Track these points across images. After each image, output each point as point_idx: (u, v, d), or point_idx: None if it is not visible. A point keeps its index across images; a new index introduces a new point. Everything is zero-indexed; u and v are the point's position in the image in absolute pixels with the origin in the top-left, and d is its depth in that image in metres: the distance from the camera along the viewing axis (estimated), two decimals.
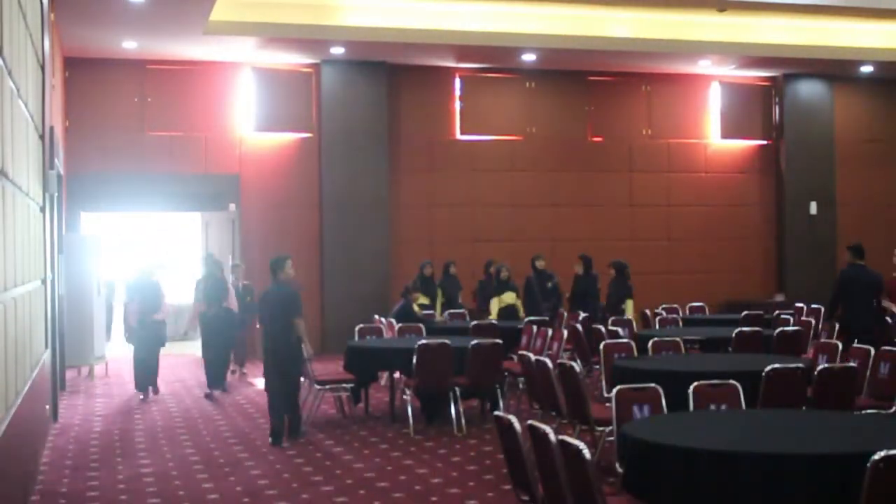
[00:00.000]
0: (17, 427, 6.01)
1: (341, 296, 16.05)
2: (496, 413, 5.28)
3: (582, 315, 12.73)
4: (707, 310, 15.37)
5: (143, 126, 15.76)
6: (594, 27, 15.81)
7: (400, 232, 16.66)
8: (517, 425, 4.96)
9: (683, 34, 16.11)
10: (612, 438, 6.46)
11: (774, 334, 10.16)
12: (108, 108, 15.62)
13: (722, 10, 15.12)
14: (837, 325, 10.05)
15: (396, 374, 10.08)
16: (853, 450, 4.53)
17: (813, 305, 13.93)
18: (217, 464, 8.17)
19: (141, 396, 11.80)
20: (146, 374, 11.94)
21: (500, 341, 9.65)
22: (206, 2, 12.66)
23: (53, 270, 10.17)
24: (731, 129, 18.23)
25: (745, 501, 4.46)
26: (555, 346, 10.38)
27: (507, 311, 13.23)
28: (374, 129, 16.33)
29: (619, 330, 10.99)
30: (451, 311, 13.98)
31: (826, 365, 7.39)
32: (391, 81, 16.57)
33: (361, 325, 11.75)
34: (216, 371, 12.06)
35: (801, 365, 7.18)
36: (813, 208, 18.18)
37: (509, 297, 13.44)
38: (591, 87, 17.68)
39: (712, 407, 6.15)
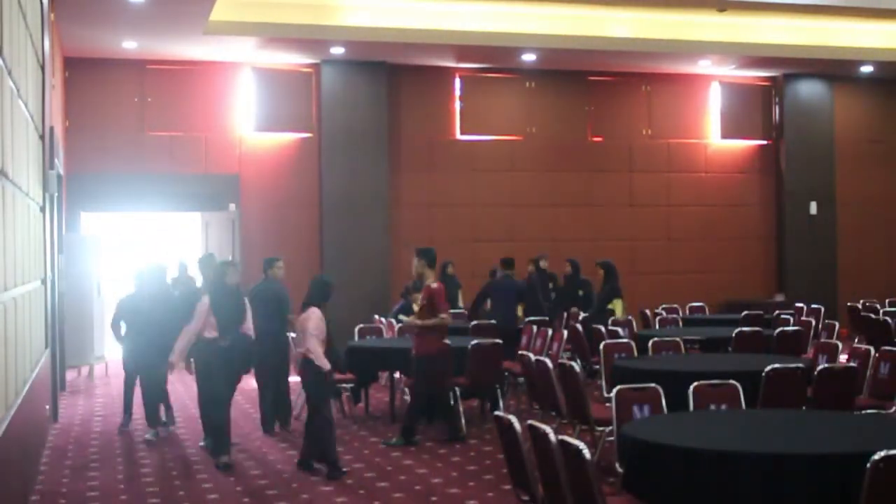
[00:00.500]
0: (17, 427, 6.01)
1: (341, 296, 15.92)
2: (496, 413, 5.28)
3: (582, 316, 12.71)
4: (707, 310, 15.38)
5: (143, 126, 15.76)
6: (594, 27, 15.81)
7: (400, 232, 16.65)
8: (517, 425, 4.96)
9: (683, 34, 16.10)
10: (612, 438, 6.46)
11: (774, 334, 10.16)
12: (108, 108, 15.61)
13: (722, 10, 15.12)
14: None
15: (396, 374, 10.08)
16: (853, 450, 4.53)
17: (813, 305, 13.93)
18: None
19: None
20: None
21: (500, 341, 9.65)
22: (206, 2, 12.66)
23: (53, 270, 10.17)
24: (731, 129, 18.22)
25: (745, 501, 4.46)
26: (555, 346, 10.38)
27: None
28: (374, 129, 16.32)
29: (619, 330, 10.99)
30: (451, 311, 13.95)
31: (826, 365, 7.40)
32: (391, 81, 16.57)
33: (361, 325, 11.75)
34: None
35: (801, 365, 7.18)
36: (813, 208, 18.18)
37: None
38: (591, 87, 17.68)
39: (712, 407, 6.15)
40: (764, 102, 18.39)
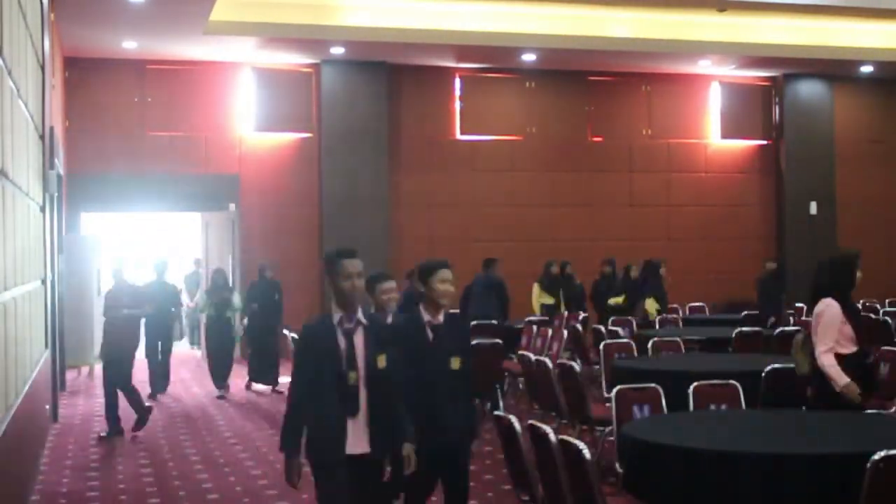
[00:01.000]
0: (17, 427, 6.01)
1: None
2: (496, 413, 5.28)
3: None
4: (707, 310, 15.37)
5: (143, 126, 15.75)
6: (594, 27, 15.81)
7: (400, 232, 16.65)
8: (517, 425, 4.96)
9: (683, 34, 16.10)
10: (612, 438, 6.46)
11: (774, 334, 10.16)
12: (108, 108, 15.61)
13: (722, 10, 15.12)
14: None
15: None
16: (853, 450, 4.52)
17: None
18: (217, 464, 8.18)
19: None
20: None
21: (500, 341, 9.64)
22: (206, 2, 12.66)
23: (53, 270, 10.17)
24: (731, 129, 18.22)
25: (745, 501, 4.46)
26: (555, 346, 10.38)
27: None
28: (374, 129, 16.32)
29: (619, 330, 10.99)
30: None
31: None
32: (391, 81, 16.57)
33: None
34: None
35: None
36: (813, 208, 18.18)
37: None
38: (591, 87, 17.67)
39: (712, 407, 6.15)
40: (764, 102, 18.39)
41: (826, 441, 4.96)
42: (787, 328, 10.79)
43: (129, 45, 14.68)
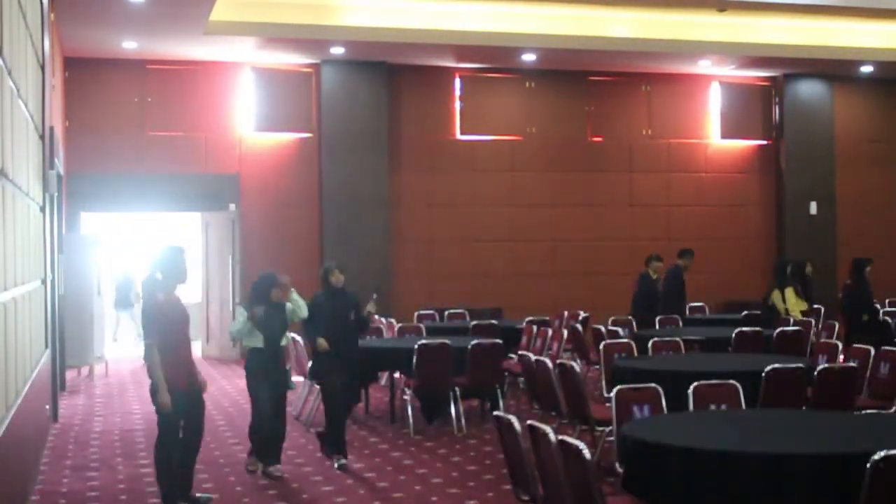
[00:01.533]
0: (17, 427, 6.01)
1: None
2: (496, 413, 5.28)
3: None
4: (707, 310, 15.37)
5: (143, 126, 15.76)
6: (594, 27, 15.81)
7: (400, 232, 16.65)
8: (517, 425, 4.96)
9: (683, 34, 16.10)
10: (612, 438, 6.46)
11: (774, 334, 10.16)
12: (108, 108, 15.61)
13: (722, 10, 15.11)
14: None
15: (396, 374, 10.08)
16: (853, 450, 4.53)
17: (814, 305, 13.93)
18: (217, 464, 8.17)
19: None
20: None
21: (500, 341, 9.65)
22: (206, 2, 12.66)
23: (53, 270, 10.17)
24: (731, 129, 18.22)
25: (745, 501, 4.46)
26: (555, 346, 10.38)
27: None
28: (374, 129, 16.32)
29: (619, 330, 10.99)
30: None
31: (826, 365, 7.39)
32: (391, 81, 16.57)
33: None
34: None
35: (801, 365, 7.18)
36: (813, 208, 18.18)
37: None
38: (591, 87, 17.67)
39: (712, 407, 6.15)
40: (764, 102, 18.39)
41: (826, 441, 4.96)
42: (787, 328, 10.79)
43: (129, 45, 14.68)
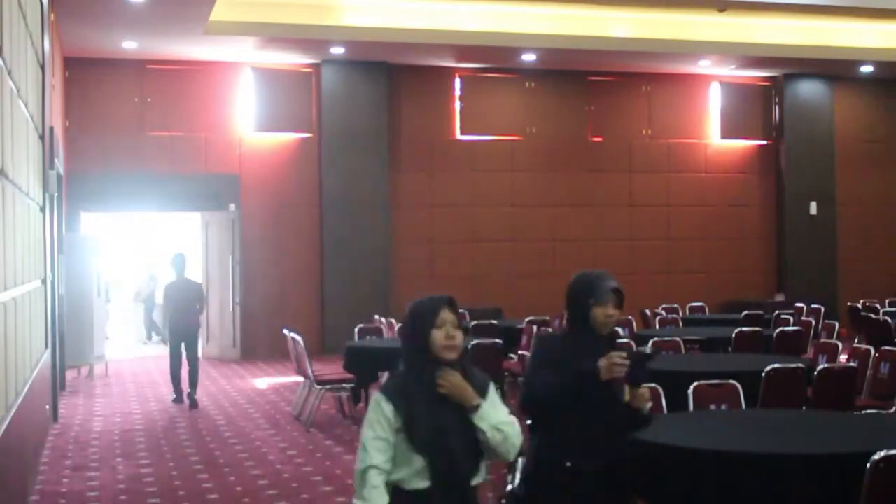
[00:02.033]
0: (17, 427, 6.01)
1: (341, 296, 16.06)
2: None
3: None
4: (707, 310, 15.37)
5: (143, 126, 15.76)
6: (594, 27, 15.81)
7: (400, 232, 16.66)
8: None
9: (683, 34, 16.11)
10: None
11: (774, 334, 10.16)
12: (108, 108, 15.62)
13: (722, 10, 15.12)
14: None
15: None
16: (853, 450, 4.52)
17: (813, 305, 13.93)
18: (217, 464, 8.18)
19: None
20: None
21: (500, 341, 9.65)
22: (206, 2, 12.66)
23: (53, 270, 10.17)
24: (731, 129, 18.22)
25: (745, 501, 4.46)
26: None
27: None
28: (374, 129, 16.33)
29: (619, 330, 10.97)
30: None
31: (826, 365, 7.39)
32: (391, 81, 16.57)
33: (361, 325, 11.74)
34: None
35: (801, 365, 7.18)
36: (813, 208, 18.19)
37: None
38: (591, 87, 17.68)
39: (712, 407, 6.15)
40: (764, 102, 18.40)
41: (826, 441, 4.96)
42: (787, 328, 10.79)
43: (129, 45, 14.68)
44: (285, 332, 10.68)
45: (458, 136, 17.08)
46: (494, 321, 12.34)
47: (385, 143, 16.42)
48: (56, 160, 10.81)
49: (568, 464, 4.04)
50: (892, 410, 7.28)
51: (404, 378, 3.48)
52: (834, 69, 17.79)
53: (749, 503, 4.45)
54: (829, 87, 18.33)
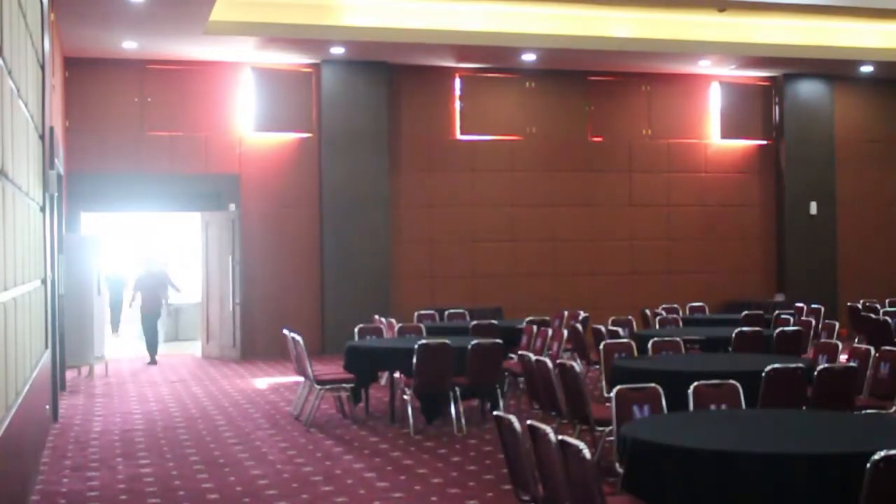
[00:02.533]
0: (17, 427, 6.01)
1: (341, 296, 16.06)
2: (496, 413, 5.28)
3: None
4: (707, 310, 15.38)
5: (143, 126, 15.76)
6: (594, 27, 15.81)
7: (400, 232, 16.66)
8: (517, 425, 4.96)
9: (683, 34, 16.11)
10: (612, 438, 6.46)
11: (774, 334, 10.16)
12: (108, 108, 15.62)
13: (722, 10, 15.12)
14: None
15: (396, 374, 10.08)
16: (853, 450, 4.52)
17: (813, 305, 13.93)
18: (217, 464, 8.18)
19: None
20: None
21: (500, 341, 9.65)
22: (206, 2, 12.66)
23: (53, 270, 10.17)
24: (731, 129, 18.23)
25: (744, 501, 4.46)
26: (555, 346, 10.38)
27: None
28: (374, 129, 16.33)
29: (619, 330, 10.98)
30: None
31: (826, 365, 7.39)
32: (391, 81, 16.58)
33: (361, 325, 11.75)
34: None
35: (801, 365, 7.18)
36: (813, 208, 18.19)
37: None
38: (591, 87, 17.68)
39: (712, 407, 6.15)
40: (764, 102, 18.40)
41: (826, 441, 4.96)
42: (787, 328, 10.79)
43: (129, 45, 14.68)
44: (285, 332, 10.68)
45: (458, 136, 17.09)
46: (494, 321, 12.33)
47: (385, 143, 16.43)
48: (56, 160, 10.81)
49: None
50: (892, 410, 7.29)
51: None
52: (834, 69, 17.79)
53: (749, 503, 4.46)
54: (829, 87, 18.34)
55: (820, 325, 12.54)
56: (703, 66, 17.45)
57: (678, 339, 9.15)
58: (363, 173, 16.22)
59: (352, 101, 16.23)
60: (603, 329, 10.76)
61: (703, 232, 18.16)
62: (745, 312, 12.60)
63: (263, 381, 13.26)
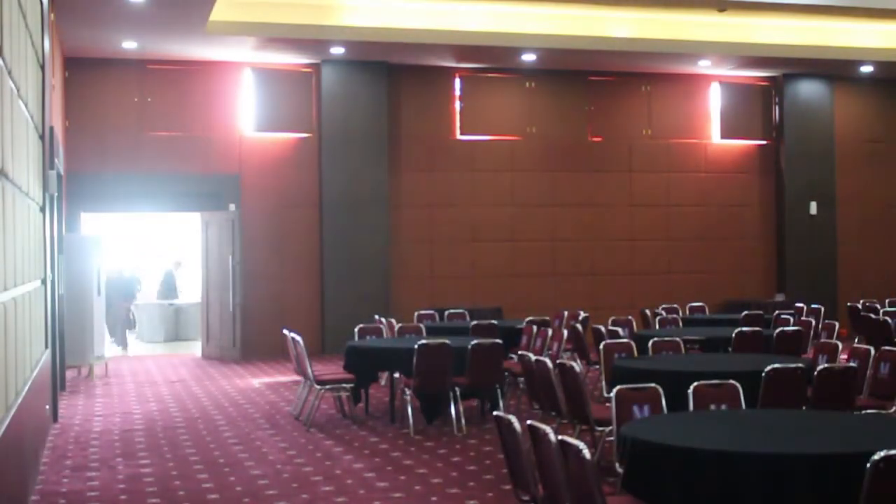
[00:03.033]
0: (17, 427, 6.01)
1: (341, 296, 16.07)
2: (496, 413, 5.28)
3: None
4: (707, 310, 15.38)
5: (143, 126, 15.76)
6: (594, 27, 15.81)
7: (400, 232, 16.66)
8: (517, 425, 4.96)
9: (683, 34, 16.11)
10: (612, 438, 6.46)
11: (774, 334, 10.15)
12: (108, 108, 15.62)
13: (722, 10, 15.12)
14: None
15: (396, 374, 10.09)
16: (853, 450, 4.53)
17: (813, 305, 13.94)
18: (217, 464, 8.18)
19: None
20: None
21: (500, 341, 9.65)
22: (206, 2, 12.66)
23: (53, 270, 10.17)
24: (731, 129, 18.23)
25: (745, 501, 4.46)
26: (555, 346, 10.38)
27: None
28: (374, 129, 16.33)
29: (619, 330, 10.98)
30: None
31: (826, 365, 7.39)
32: (391, 81, 16.58)
33: (361, 325, 11.75)
34: None
35: (801, 365, 7.18)
36: (813, 208, 18.19)
37: None
38: (591, 87, 17.68)
39: (712, 407, 6.15)
40: (764, 102, 18.40)
41: (826, 441, 4.96)
42: (787, 328, 10.79)
43: (129, 45, 14.68)
44: (285, 332, 10.68)
45: (458, 136, 17.09)
46: (494, 321, 12.33)
47: (385, 143, 16.43)
48: (56, 160, 10.81)
49: None
50: (892, 410, 7.29)
51: None
52: (834, 69, 17.79)
53: (749, 503, 4.46)
54: (829, 87, 18.34)
55: (820, 325, 12.54)
56: (703, 66, 17.45)
57: (678, 339, 9.15)
58: (363, 173, 16.22)
59: (352, 101, 16.23)
60: (603, 329, 10.76)
61: (702, 232, 18.16)
62: (745, 312, 12.59)
63: (263, 381, 13.26)
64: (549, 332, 10.73)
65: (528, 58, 16.38)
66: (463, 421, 9.28)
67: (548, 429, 4.66)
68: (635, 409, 6.14)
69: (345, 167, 16.17)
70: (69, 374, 13.35)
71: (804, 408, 6.85)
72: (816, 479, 4.40)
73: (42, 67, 9.25)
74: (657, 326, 12.37)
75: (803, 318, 12.88)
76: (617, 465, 5.55)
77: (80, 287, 13.27)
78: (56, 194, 10.59)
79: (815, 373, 7.05)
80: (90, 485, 7.55)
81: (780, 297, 17.67)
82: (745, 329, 10.05)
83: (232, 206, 15.99)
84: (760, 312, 12.99)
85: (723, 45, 16.33)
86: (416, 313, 13.49)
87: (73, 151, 15.14)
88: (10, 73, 6.08)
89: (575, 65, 17.05)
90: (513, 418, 4.99)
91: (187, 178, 15.91)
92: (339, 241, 16.10)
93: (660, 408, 6.17)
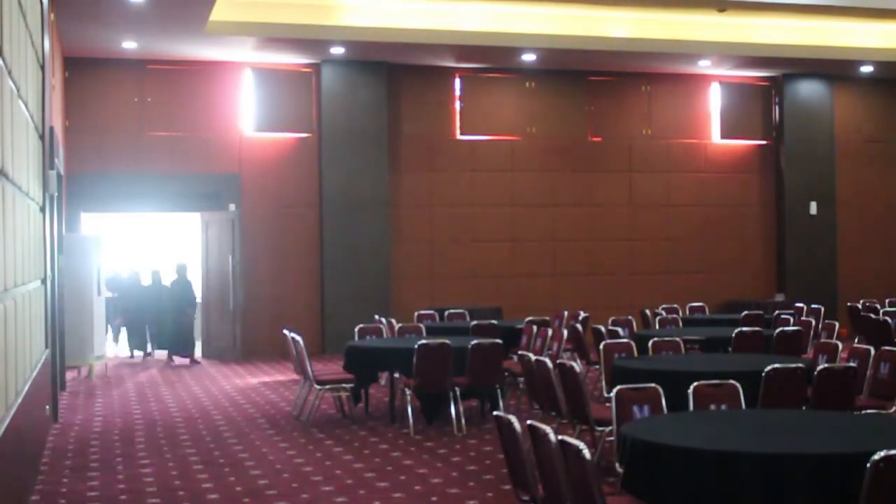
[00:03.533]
0: (17, 427, 6.01)
1: (341, 296, 16.07)
2: (496, 413, 5.27)
3: None
4: (707, 310, 15.38)
5: (143, 126, 15.77)
6: (594, 27, 15.81)
7: (400, 232, 16.66)
8: (517, 425, 4.96)
9: (683, 34, 16.11)
10: (612, 438, 6.46)
11: (774, 334, 10.15)
12: (108, 108, 15.63)
13: (722, 10, 15.12)
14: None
15: (396, 374, 10.09)
16: (853, 450, 4.52)
17: (813, 305, 13.93)
18: (217, 464, 8.18)
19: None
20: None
21: (500, 341, 9.65)
22: (206, 2, 12.66)
23: (53, 270, 10.17)
24: (731, 129, 18.23)
25: (744, 501, 4.46)
26: (555, 346, 10.38)
27: None
28: (374, 129, 16.33)
29: (619, 330, 10.98)
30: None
31: (826, 365, 7.39)
32: (391, 81, 16.58)
33: (361, 325, 11.75)
34: None
35: (801, 365, 7.18)
36: (813, 208, 18.19)
37: None
38: (591, 87, 17.69)
39: (712, 407, 6.15)
40: (764, 102, 18.40)
41: (826, 441, 4.96)
42: (787, 328, 10.79)
43: (129, 45, 14.68)
44: (285, 332, 10.69)
45: (458, 136, 17.09)
46: (494, 321, 12.33)
47: (385, 143, 16.43)
48: (56, 160, 10.81)
49: None
50: (892, 410, 7.29)
51: None
52: (834, 69, 17.79)
53: (749, 503, 4.46)
54: (829, 87, 18.34)
55: (820, 325, 12.54)
56: (703, 66, 17.45)
57: (678, 339, 9.15)
58: (363, 173, 16.22)
59: (351, 101, 16.23)
60: (603, 329, 10.76)
61: (702, 232, 18.16)
62: (745, 312, 12.59)
63: (263, 381, 13.26)
64: (549, 332, 10.73)
65: (528, 58, 16.38)
66: (463, 421, 9.28)
67: (548, 429, 4.66)
68: (635, 409, 6.14)
69: (345, 167, 16.17)
70: (69, 374, 13.35)
71: (804, 408, 6.85)
72: (816, 480, 4.40)
73: (42, 67, 9.25)
74: (657, 326, 12.37)
75: (803, 318, 12.88)
76: (617, 465, 5.55)
77: (80, 287, 13.27)
78: (56, 194, 10.59)
79: (815, 373, 7.05)
80: (90, 485, 7.55)
81: (780, 297, 17.67)
82: (745, 329, 10.05)
83: (232, 207, 16.00)
84: (760, 312, 12.99)
85: (723, 45, 16.34)
86: (416, 313, 13.49)
87: (73, 151, 15.14)
88: (10, 73, 6.08)
89: (575, 65, 17.05)
90: (513, 418, 4.99)
91: (187, 178, 15.92)
92: (339, 241, 16.10)
93: (660, 408, 6.17)
